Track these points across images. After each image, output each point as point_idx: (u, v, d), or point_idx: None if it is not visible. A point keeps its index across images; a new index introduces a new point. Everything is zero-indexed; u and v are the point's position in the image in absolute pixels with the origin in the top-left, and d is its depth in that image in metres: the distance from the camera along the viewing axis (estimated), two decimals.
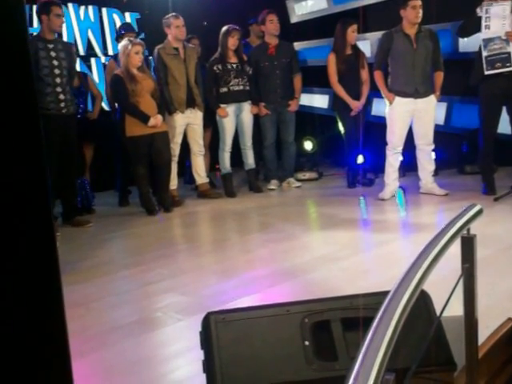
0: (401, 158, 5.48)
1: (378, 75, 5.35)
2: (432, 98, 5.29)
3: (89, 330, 2.96)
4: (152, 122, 5.18)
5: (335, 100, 6.08)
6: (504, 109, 5.15)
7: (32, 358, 0.98)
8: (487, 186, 5.20)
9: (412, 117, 5.28)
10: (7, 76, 0.98)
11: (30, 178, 1.02)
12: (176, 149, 5.67)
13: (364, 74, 5.89)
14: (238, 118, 5.96)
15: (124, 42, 5.23)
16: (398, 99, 5.25)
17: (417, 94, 5.22)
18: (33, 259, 1.00)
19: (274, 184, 6.23)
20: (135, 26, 6.82)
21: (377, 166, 6.26)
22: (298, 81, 6.17)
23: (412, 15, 5.13)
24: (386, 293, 1.27)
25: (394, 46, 5.25)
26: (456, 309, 1.91)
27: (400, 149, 5.38)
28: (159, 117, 5.25)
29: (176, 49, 5.60)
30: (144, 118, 5.16)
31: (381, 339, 1.03)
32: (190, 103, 5.65)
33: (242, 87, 5.91)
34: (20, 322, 0.98)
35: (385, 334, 1.05)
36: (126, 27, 6.16)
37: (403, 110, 5.24)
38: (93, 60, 6.63)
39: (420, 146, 5.38)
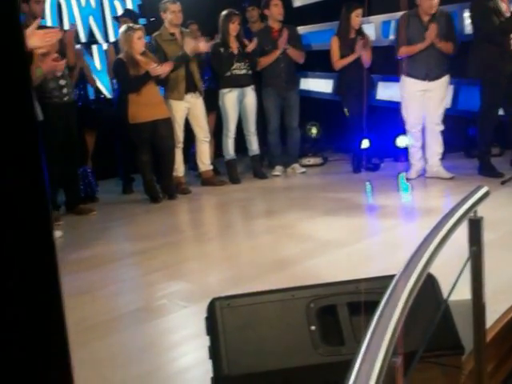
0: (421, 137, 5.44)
1: (404, 51, 5.28)
2: (444, 80, 5.29)
3: (94, 317, 2.96)
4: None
5: (339, 84, 6.04)
6: None
7: (30, 349, 0.96)
8: (490, 167, 5.17)
9: (424, 96, 5.30)
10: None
11: (25, 167, 0.99)
12: (180, 135, 5.64)
13: (366, 58, 5.81)
14: (241, 103, 5.91)
15: (123, 28, 5.18)
16: (410, 80, 5.28)
17: (428, 78, 5.24)
18: (29, 250, 0.98)
19: (278, 170, 6.19)
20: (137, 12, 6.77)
21: (382, 150, 6.22)
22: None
23: (426, 5, 5.14)
24: (392, 277, 1.25)
25: (408, 30, 5.26)
26: (464, 292, 1.88)
27: (419, 128, 5.38)
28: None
29: (172, 34, 5.54)
30: (147, 77, 5.10)
31: (387, 322, 1.01)
32: (191, 88, 5.60)
33: (244, 71, 5.85)
34: (17, 313, 0.96)
35: (391, 317, 1.03)
36: (125, 13, 6.10)
37: (415, 90, 5.27)
38: (94, 47, 6.58)
39: (429, 126, 5.38)
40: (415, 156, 5.47)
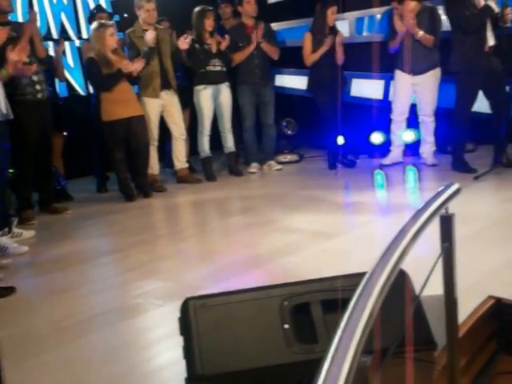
0: (404, 127, 5.79)
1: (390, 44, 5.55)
2: (432, 73, 5.48)
3: (68, 318, 2.93)
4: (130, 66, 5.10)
5: (311, 80, 6.03)
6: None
7: None
8: (463, 163, 5.23)
9: (414, 89, 5.55)
10: None
11: None
12: (155, 133, 5.59)
13: (339, 55, 5.80)
14: (216, 100, 5.88)
15: (94, 25, 5.11)
16: (400, 72, 5.54)
17: (414, 72, 5.44)
18: None
19: (254, 167, 6.18)
20: (110, 9, 6.69)
21: (357, 147, 6.25)
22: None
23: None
24: (365, 274, 1.25)
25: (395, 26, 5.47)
26: (437, 288, 1.90)
27: (403, 118, 5.69)
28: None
29: (146, 30, 5.48)
30: (120, 75, 5.06)
31: (357, 321, 1.00)
32: (165, 85, 5.55)
33: (219, 68, 5.83)
34: None
35: (361, 315, 1.03)
36: (98, 8, 6.03)
37: (404, 82, 5.55)
38: (66, 44, 6.48)
39: (420, 118, 5.66)
40: (394, 143, 5.77)
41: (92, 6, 6.56)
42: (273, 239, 3.91)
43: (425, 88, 5.50)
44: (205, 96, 5.81)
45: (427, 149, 5.67)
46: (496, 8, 4.88)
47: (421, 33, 5.32)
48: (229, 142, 6.04)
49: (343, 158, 6.01)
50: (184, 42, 5.50)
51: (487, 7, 4.91)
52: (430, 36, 5.35)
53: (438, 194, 1.75)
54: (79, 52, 6.41)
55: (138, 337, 2.73)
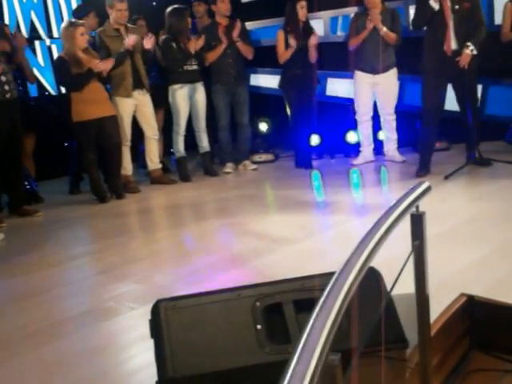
0: (370, 126, 5.86)
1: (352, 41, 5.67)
2: (391, 73, 5.63)
3: (39, 321, 2.89)
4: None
5: (282, 78, 5.98)
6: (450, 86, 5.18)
7: None
8: (425, 163, 5.12)
9: (374, 89, 5.67)
10: None
11: None
12: (128, 133, 5.53)
13: (312, 52, 5.79)
14: (191, 99, 5.84)
15: (65, 24, 5.03)
16: (359, 73, 5.66)
17: (374, 71, 5.57)
18: None
19: (229, 167, 6.15)
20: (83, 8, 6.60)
21: (334, 146, 6.27)
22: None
23: (366, 1, 5.53)
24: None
25: (357, 25, 5.60)
26: (409, 286, 1.90)
27: (367, 117, 5.81)
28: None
29: (117, 30, 5.43)
30: (90, 74, 5.00)
31: (325, 319, 0.99)
32: (137, 85, 5.50)
33: (195, 67, 5.79)
34: None
35: (329, 313, 1.02)
36: (80, 11, 5.89)
37: (364, 83, 5.67)
38: (37, 43, 6.37)
39: (383, 116, 5.78)
40: (364, 143, 5.88)
41: (63, 3, 6.48)
42: (248, 240, 3.89)
43: (386, 86, 5.62)
44: (181, 95, 5.77)
45: (391, 146, 5.78)
46: (436, 6, 4.80)
47: (384, 29, 5.46)
48: (204, 142, 6.00)
49: (308, 158, 5.99)
50: (148, 42, 5.43)
51: (427, 6, 4.84)
52: (393, 33, 5.49)
53: (409, 193, 1.75)
54: (49, 51, 6.32)
55: (110, 340, 2.70)
